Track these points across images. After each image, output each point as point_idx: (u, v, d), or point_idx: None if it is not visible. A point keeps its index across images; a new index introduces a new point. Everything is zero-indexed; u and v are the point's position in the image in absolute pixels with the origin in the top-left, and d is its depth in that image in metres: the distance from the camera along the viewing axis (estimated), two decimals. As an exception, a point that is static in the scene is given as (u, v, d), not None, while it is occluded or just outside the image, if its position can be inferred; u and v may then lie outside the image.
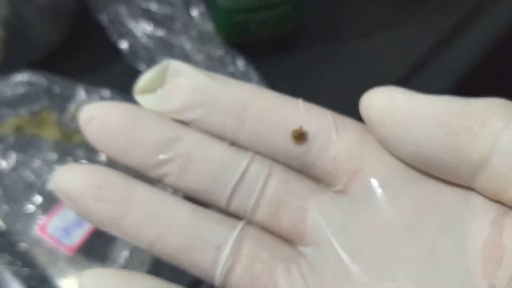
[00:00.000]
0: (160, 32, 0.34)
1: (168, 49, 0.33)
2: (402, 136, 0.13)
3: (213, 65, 0.31)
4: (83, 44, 0.36)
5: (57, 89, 0.30)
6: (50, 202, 0.29)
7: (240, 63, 0.32)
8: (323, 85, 0.35)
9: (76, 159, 0.31)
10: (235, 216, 0.15)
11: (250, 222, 0.15)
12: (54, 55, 0.35)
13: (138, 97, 0.16)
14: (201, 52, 0.33)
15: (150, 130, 0.15)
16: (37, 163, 0.30)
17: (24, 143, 0.30)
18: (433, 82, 0.36)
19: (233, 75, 0.32)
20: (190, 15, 0.34)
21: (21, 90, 0.30)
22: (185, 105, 0.15)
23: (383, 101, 0.13)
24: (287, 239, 0.15)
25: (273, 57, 0.36)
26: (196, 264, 0.15)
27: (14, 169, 0.30)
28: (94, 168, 0.15)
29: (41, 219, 0.29)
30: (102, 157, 0.31)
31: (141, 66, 0.33)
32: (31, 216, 0.29)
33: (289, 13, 0.33)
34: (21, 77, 0.30)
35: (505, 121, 0.12)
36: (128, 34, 0.34)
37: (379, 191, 0.14)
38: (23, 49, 0.33)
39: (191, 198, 0.16)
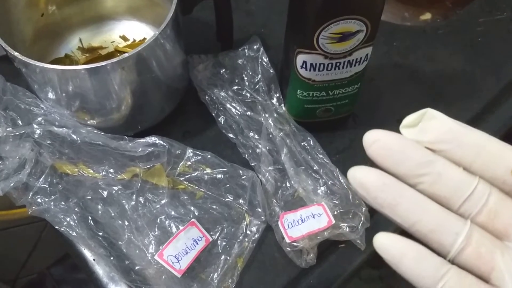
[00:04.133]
0: (247, 112, 0.44)
1: (253, 124, 0.44)
2: None
3: (290, 141, 0.42)
4: (186, 114, 0.47)
5: (175, 150, 0.41)
6: (164, 235, 0.39)
7: (311, 140, 0.43)
8: (366, 160, 0.45)
9: (180, 202, 0.40)
10: (461, 215, 0.22)
11: (471, 221, 0.22)
12: (163, 121, 0.45)
13: (403, 130, 0.22)
14: (277, 128, 0.43)
15: (414, 152, 0.22)
16: (153, 204, 0.40)
17: (145, 189, 0.40)
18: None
19: (305, 147, 0.42)
20: (270, 100, 0.45)
21: (148, 149, 0.40)
22: (438, 139, 0.22)
23: None
24: (498, 236, 0.21)
25: (329, 134, 0.46)
26: (440, 242, 0.21)
27: (139, 207, 0.39)
28: (380, 171, 0.22)
29: (156, 248, 0.38)
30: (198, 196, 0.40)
31: (231, 135, 0.44)
32: (147, 245, 0.38)
33: (347, 104, 0.44)
34: (150, 139, 0.40)
35: None
36: (224, 111, 0.45)
37: None
38: (143, 114, 0.44)
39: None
